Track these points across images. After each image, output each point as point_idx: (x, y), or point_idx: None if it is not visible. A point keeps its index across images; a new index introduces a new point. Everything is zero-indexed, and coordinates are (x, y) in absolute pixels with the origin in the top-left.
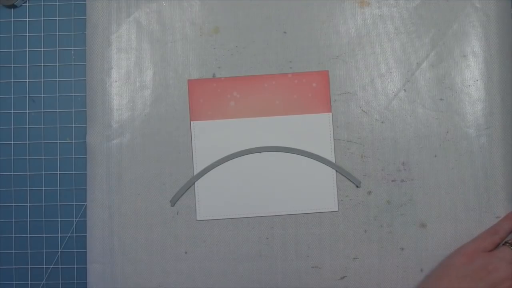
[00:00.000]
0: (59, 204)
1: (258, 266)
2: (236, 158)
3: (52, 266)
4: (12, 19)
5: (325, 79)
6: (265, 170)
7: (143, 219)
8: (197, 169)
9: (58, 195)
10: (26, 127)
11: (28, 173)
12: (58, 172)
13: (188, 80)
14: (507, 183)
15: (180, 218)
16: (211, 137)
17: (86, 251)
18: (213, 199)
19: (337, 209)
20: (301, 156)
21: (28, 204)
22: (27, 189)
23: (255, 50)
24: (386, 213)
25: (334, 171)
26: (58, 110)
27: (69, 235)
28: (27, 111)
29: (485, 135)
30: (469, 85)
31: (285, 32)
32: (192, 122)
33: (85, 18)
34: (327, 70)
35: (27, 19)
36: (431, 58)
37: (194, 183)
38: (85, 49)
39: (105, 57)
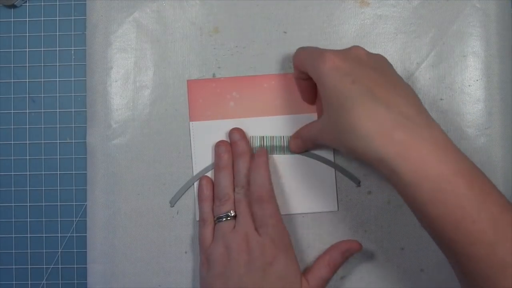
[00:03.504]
0: (59, 204)
1: None
2: None
3: (52, 266)
4: (12, 19)
5: None
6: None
7: (143, 219)
8: (196, 169)
9: (58, 195)
10: (26, 127)
11: (28, 173)
12: (58, 172)
13: (187, 81)
14: (507, 183)
15: (180, 218)
16: (210, 137)
17: (86, 251)
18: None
19: (337, 209)
20: (300, 155)
21: (28, 204)
22: (27, 189)
23: (255, 50)
24: (386, 213)
25: (334, 170)
26: (58, 110)
27: (69, 235)
28: (27, 111)
29: (485, 135)
30: (469, 85)
31: (285, 32)
32: (191, 122)
33: (85, 18)
34: None
35: (27, 19)
36: (431, 58)
37: (193, 183)
38: (85, 49)
39: (105, 57)
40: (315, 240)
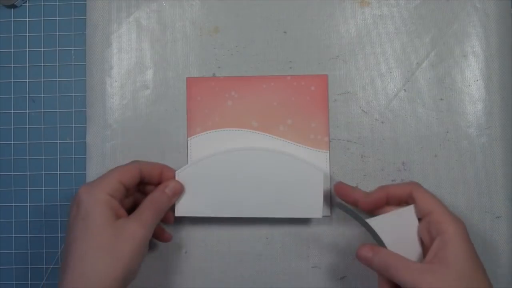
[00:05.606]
0: (59, 204)
1: (258, 266)
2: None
3: (52, 266)
4: (12, 19)
5: (324, 82)
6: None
7: None
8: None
9: (58, 195)
10: (26, 127)
11: (28, 173)
12: (58, 172)
13: (187, 78)
14: (507, 183)
15: (180, 218)
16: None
17: None
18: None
19: (329, 214)
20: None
21: (28, 204)
22: (27, 189)
23: (255, 50)
24: None
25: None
26: (58, 110)
27: None
28: (27, 111)
29: (485, 135)
30: (469, 85)
31: (285, 32)
32: (189, 121)
33: (85, 18)
34: (326, 74)
35: (27, 19)
36: (431, 58)
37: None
38: (85, 49)
39: (105, 57)
40: (315, 240)
